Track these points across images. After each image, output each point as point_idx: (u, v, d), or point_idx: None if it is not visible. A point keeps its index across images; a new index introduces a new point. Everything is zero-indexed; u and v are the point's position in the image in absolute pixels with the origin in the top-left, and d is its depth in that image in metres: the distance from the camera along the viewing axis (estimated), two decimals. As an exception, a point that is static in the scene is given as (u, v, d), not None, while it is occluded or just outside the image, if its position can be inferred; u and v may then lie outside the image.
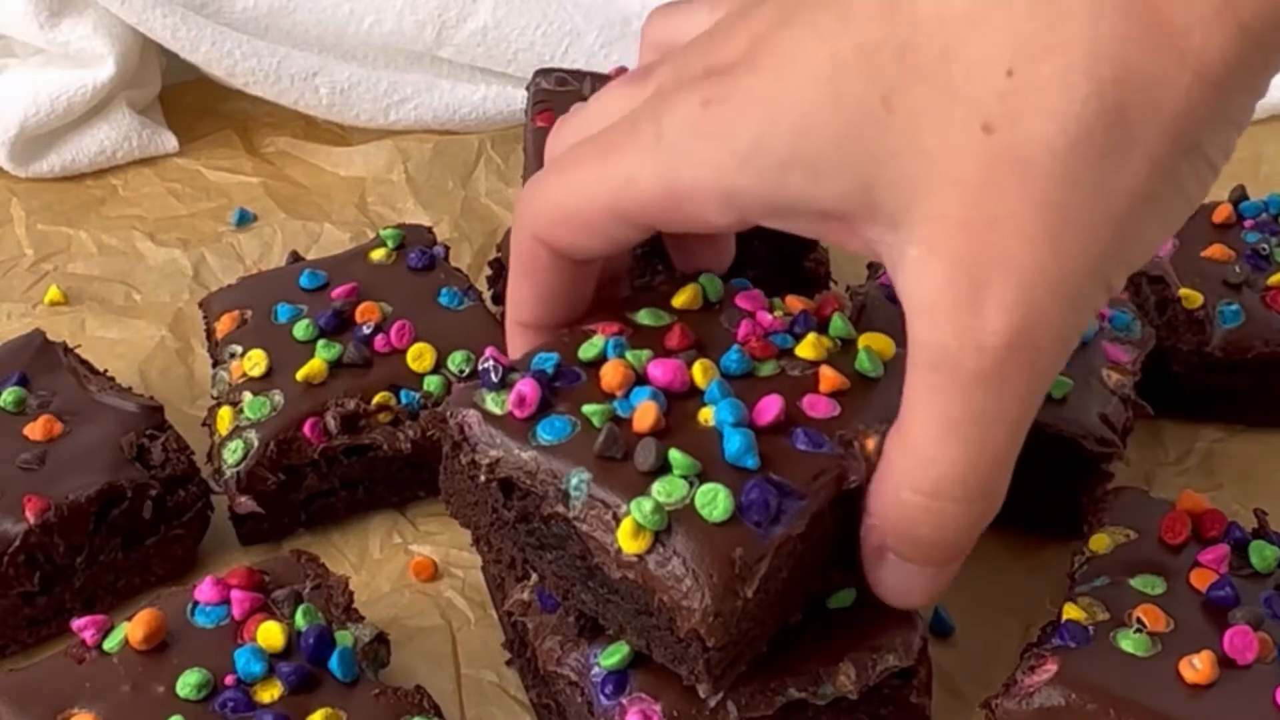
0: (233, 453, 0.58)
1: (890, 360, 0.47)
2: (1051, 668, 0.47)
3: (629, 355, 0.45)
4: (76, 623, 0.49)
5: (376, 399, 0.60)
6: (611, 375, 0.45)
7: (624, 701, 0.46)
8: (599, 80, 0.68)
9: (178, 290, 0.75)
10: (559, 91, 0.68)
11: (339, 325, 0.62)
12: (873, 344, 0.48)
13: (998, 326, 0.38)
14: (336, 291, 0.64)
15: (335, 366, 0.60)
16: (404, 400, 0.60)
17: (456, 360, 0.61)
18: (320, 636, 0.48)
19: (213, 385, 0.62)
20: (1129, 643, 0.48)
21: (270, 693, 0.47)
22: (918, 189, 0.38)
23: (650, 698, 0.46)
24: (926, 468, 0.41)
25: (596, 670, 0.47)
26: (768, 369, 0.46)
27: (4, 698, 0.47)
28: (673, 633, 0.42)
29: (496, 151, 0.86)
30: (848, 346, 0.48)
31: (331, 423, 0.59)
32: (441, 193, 0.83)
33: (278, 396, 0.59)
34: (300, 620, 0.49)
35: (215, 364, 0.63)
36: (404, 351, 0.61)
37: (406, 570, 0.60)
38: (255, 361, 0.61)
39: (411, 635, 0.56)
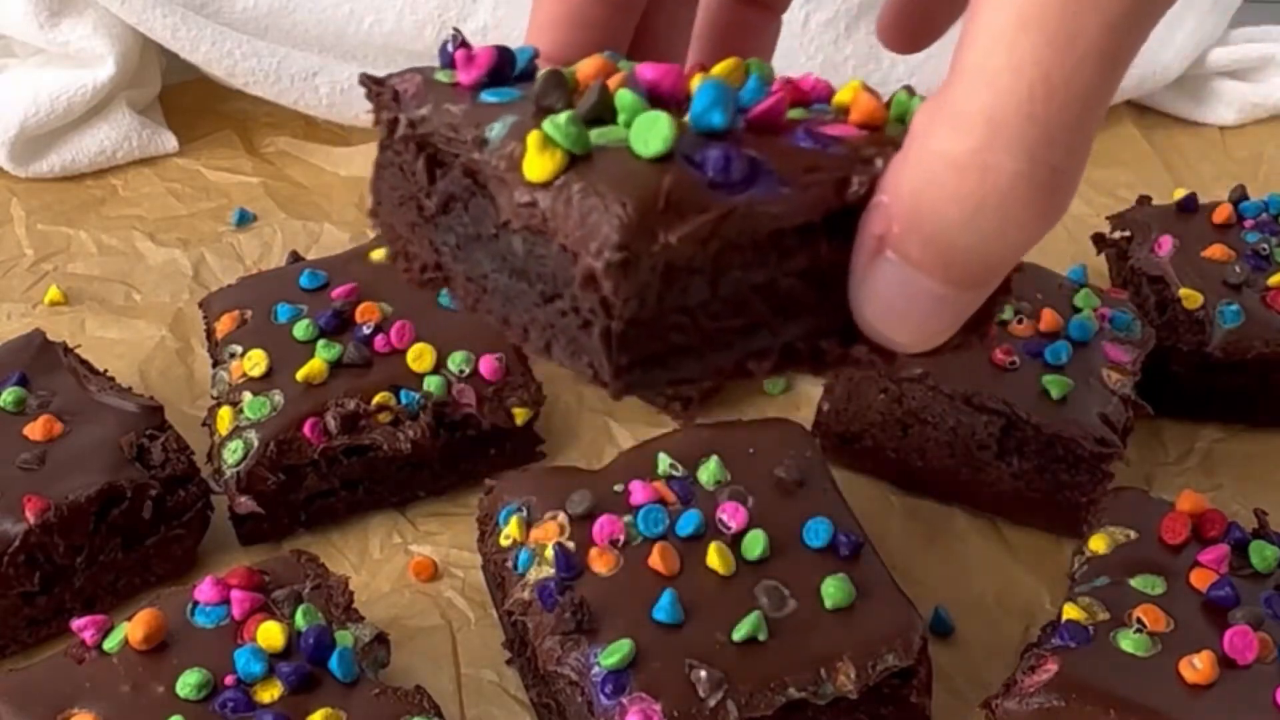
0: (233, 453, 0.58)
1: None
2: (1051, 668, 0.47)
3: (622, 64, 0.37)
4: (76, 623, 0.49)
5: (376, 399, 0.60)
6: (590, 65, 0.36)
7: (624, 701, 0.46)
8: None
9: (178, 290, 0.75)
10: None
11: (339, 325, 0.62)
12: None
13: None
14: (336, 291, 0.64)
15: (335, 366, 0.60)
16: (404, 400, 0.60)
17: (456, 360, 0.61)
18: (320, 636, 0.48)
19: (213, 385, 0.62)
20: (1129, 643, 0.48)
21: (270, 693, 0.47)
22: None
23: (650, 698, 0.46)
24: (977, 92, 0.29)
25: (596, 670, 0.47)
26: (794, 113, 0.36)
27: (4, 698, 0.47)
28: (577, 312, 0.33)
29: (496, 151, 0.86)
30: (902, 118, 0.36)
31: (331, 423, 0.59)
32: (441, 193, 0.83)
33: (278, 396, 0.59)
34: (300, 620, 0.49)
35: (215, 364, 0.63)
36: (404, 351, 0.61)
37: (406, 570, 0.60)
38: (255, 361, 0.61)
39: (411, 635, 0.56)
